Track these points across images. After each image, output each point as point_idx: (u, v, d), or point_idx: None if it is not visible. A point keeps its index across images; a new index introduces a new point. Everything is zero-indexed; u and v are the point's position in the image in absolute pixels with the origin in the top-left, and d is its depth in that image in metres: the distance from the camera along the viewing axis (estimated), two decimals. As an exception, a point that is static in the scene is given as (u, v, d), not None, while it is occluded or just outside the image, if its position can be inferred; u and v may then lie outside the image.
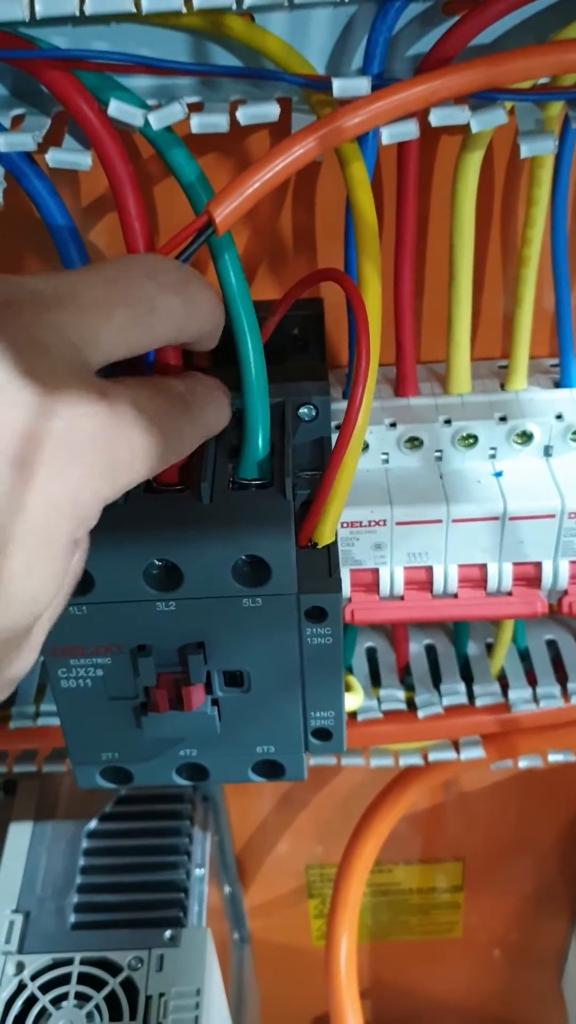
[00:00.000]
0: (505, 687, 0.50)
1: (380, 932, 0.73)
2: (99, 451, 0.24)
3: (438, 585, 0.40)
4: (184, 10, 0.31)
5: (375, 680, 0.50)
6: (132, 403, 0.26)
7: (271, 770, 0.38)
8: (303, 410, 0.37)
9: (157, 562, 0.32)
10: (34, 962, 0.51)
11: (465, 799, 0.65)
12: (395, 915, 0.72)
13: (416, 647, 0.51)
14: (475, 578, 0.41)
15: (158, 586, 0.33)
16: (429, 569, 0.40)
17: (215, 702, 0.35)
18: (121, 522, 0.33)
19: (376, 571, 0.40)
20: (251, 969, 0.73)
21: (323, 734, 0.36)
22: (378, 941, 0.73)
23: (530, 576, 0.40)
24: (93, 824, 0.57)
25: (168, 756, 0.37)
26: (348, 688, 0.45)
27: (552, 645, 0.51)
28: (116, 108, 0.32)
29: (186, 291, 0.28)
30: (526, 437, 0.40)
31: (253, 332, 0.34)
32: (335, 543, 0.35)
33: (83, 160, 0.33)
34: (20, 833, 0.57)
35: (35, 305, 0.24)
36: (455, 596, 0.41)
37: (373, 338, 0.33)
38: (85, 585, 0.32)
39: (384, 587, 0.40)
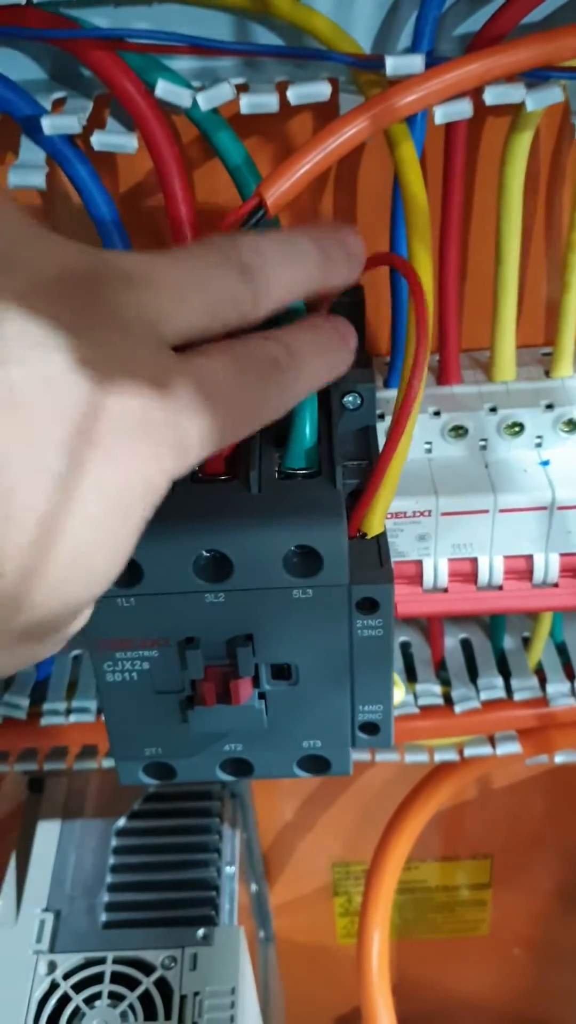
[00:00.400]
0: (543, 681, 0.49)
1: (406, 930, 0.72)
2: (169, 429, 0.23)
3: (483, 577, 0.40)
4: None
5: (410, 675, 0.50)
6: (208, 378, 0.25)
7: (316, 765, 0.37)
8: (348, 398, 0.37)
9: (207, 553, 0.32)
10: (66, 961, 0.50)
11: (492, 796, 0.64)
12: (421, 913, 0.71)
13: (451, 641, 0.50)
14: (521, 569, 0.40)
15: (208, 577, 0.32)
16: (474, 561, 0.39)
17: (262, 695, 0.35)
18: (169, 512, 0.32)
19: (420, 563, 0.39)
20: (276, 968, 0.73)
21: (371, 728, 0.36)
22: (404, 939, 0.73)
23: (576, 567, 0.40)
24: (122, 822, 0.56)
25: (212, 751, 0.36)
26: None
27: (590, 638, 0.51)
28: (163, 89, 0.32)
29: (262, 274, 0.27)
30: (573, 425, 0.39)
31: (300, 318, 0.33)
32: (384, 534, 0.34)
33: (129, 142, 0.32)
34: (48, 831, 0.56)
35: (119, 280, 0.24)
36: (500, 588, 0.40)
37: (428, 327, 0.32)
38: (134, 576, 0.32)
39: (428, 579, 0.40)
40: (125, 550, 0.24)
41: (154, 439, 0.23)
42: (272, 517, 0.31)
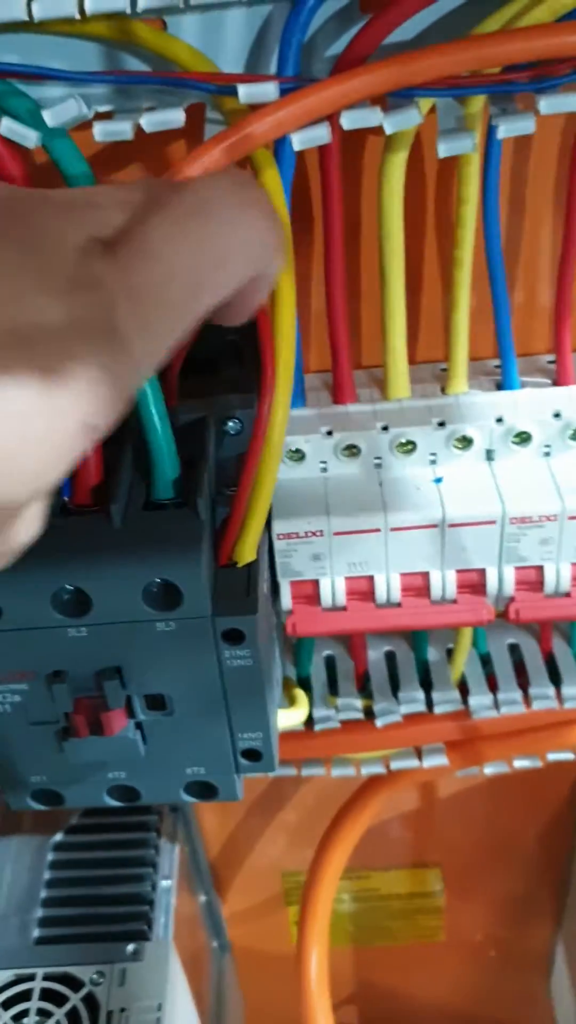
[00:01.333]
0: (466, 693, 0.49)
1: (363, 938, 0.72)
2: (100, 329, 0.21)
3: (380, 595, 0.39)
4: (78, 16, 0.30)
5: (332, 688, 0.50)
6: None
7: (204, 791, 0.37)
8: (229, 424, 0.36)
9: (66, 587, 0.31)
10: (-4, 978, 0.50)
11: (440, 804, 0.64)
12: (377, 920, 0.71)
13: (375, 654, 0.50)
14: (419, 586, 0.40)
15: (68, 612, 0.32)
16: (371, 579, 0.39)
17: (139, 725, 0.35)
18: (30, 547, 0.32)
19: (316, 582, 0.39)
20: (233, 976, 0.73)
21: (252, 755, 0.36)
22: (362, 946, 0.73)
23: (475, 583, 0.39)
24: (59, 837, 0.57)
25: (97, 778, 0.36)
26: (293, 700, 0.44)
27: (515, 649, 0.50)
28: (8, 128, 0.31)
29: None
30: (466, 442, 0.39)
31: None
32: (257, 561, 0.34)
33: (-18, 174, 0.32)
34: (-15, 847, 0.56)
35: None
36: (399, 605, 0.40)
37: (287, 347, 0.32)
38: (-7, 611, 0.32)
39: (326, 598, 0.39)
40: (54, 455, 0.22)
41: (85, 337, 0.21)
42: (128, 551, 0.31)
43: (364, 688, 0.50)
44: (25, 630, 0.32)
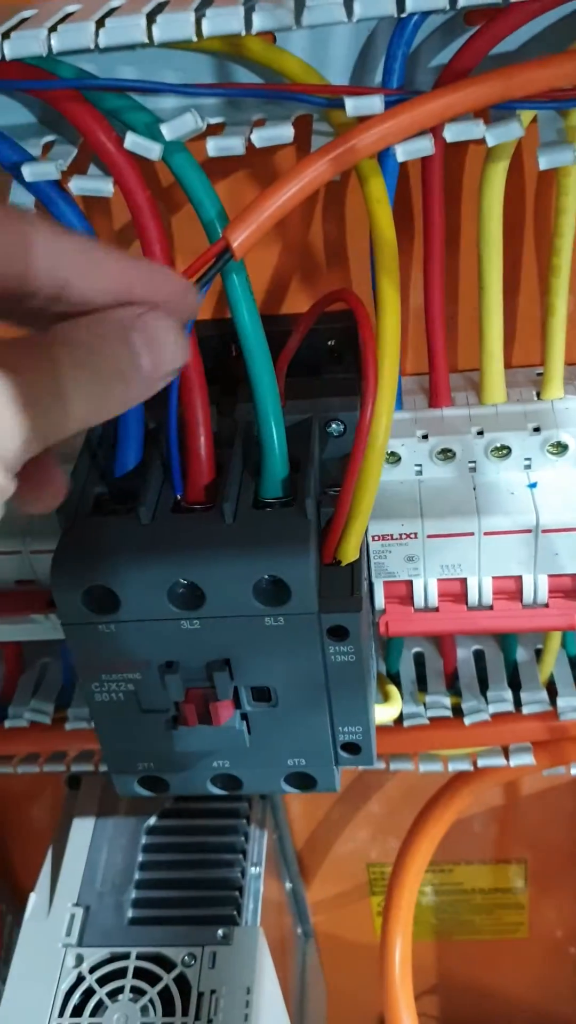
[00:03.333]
0: (554, 694, 0.49)
1: (445, 931, 0.73)
2: None
3: (472, 597, 0.40)
4: (195, 38, 0.31)
5: (422, 685, 0.50)
6: None
7: (303, 782, 0.38)
8: (332, 426, 0.38)
9: (181, 581, 0.33)
10: (92, 955, 0.52)
11: (525, 800, 0.64)
12: (459, 914, 0.72)
13: (464, 653, 0.51)
14: (511, 590, 0.40)
15: (182, 605, 0.33)
16: (463, 581, 0.40)
17: (244, 716, 0.36)
18: (147, 542, 0.34)
19: (410, 583, 0.40)
20: (316, 962, 0.74)
21: (352, 748, 0.37)
22: (444, 940, 0.73)
23: (567, 588, 0.40)
24: (152, 820, 0.59)
25: (202, 767, 0.38)
26: (387, 697, 0.45)
27: (605, 651, 0.50)
28: (132, 142, 0.33)
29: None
30: (561, 448, 0.39)
31: (263, 358, 0.34)
32: (359, 560, 0.35)
33: (105, 187, 0.34)
34: (83, 828, 0.59)
35: None
36: (490, 608, 0.41)
37: (391, 354, 0.33)
38: (112, 604, 0.33)
39: (418, 599, 0.40)
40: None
41: None
42: (241, 548, 0.33)
43: (452, 686, 0.51)
44: (142, 622, 0.33)
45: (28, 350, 0.24)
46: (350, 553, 0.35)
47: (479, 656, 0.51)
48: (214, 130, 0.35)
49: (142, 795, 0.39)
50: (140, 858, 0.57)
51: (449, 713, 0.49)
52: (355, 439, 0.32)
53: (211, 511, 0.35)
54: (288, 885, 0.68)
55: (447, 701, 0.49)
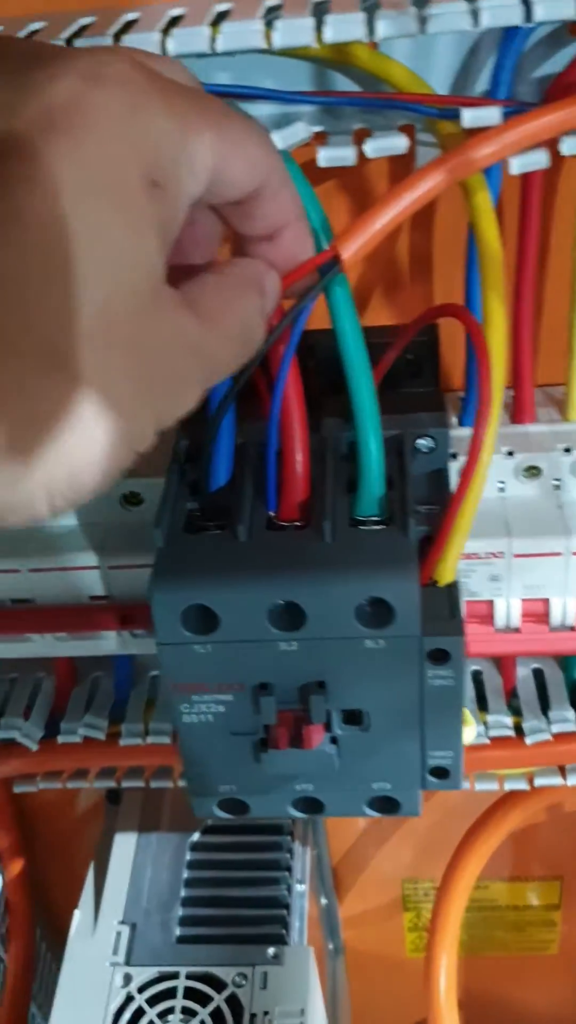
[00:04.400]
0: (616, 714, 0.48)
1: (474, 947, 0.72)
2: None
3: (556, 618, 0.39)
4: (315, 45, 0.30)
5: (481, 704, 0.50)
6: None
7: (386, 806, 0.37)
8: (421, 442, 0.37)
9: (280, 602, 0.32)
10: (141, 974, 0.52)
11: (563, 818, 0.64)
12: (489, 930, 0.71)
13: (523, 671, 0.50)
14: (595, 611, 0.40)
15: (281, 626, 0.32)
16: (547, 601, 0.39)
17: (334, 740, 0.35)
18: (245, 560, 0.33)
19: (491, 603, 0.39)
20: (344, 979, 0.73)
21: (441, 772, 0.36)
22: (473, 955, 0.73)
23: None
24: (196, 836, 0.58)
25: (285, 790, 0.37)
26: (463, 721, 0.44)
27: None
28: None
29: None
30: None
31: (365, 371, 0.33)
32: (456, 582, 0.34)
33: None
34: (126, 844, 0.58)
35: None
36: (572, 629, 0.40)
37: (498, 371, 0.32)
38: (210, 623, 0.32)
39: (500, 619, 0.40)
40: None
41: None
42: (344, 568, 0.32)
43: (510, 704, 0.50)
44: (239, 642, 0.33)
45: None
46: (447, 574, 0.34)
47: (538, 674, 0.50)
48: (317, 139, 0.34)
49: (222, 817, 0.38)
50: (185, 875, 0.56)
51: (511, 732, 0.48)
52: (468, 459, 0.31)
53: (307, 529, 0.34)
54: (323, 901, 0.68)
55: (508, 720, 0.48)
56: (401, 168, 0.38)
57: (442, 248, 0.40)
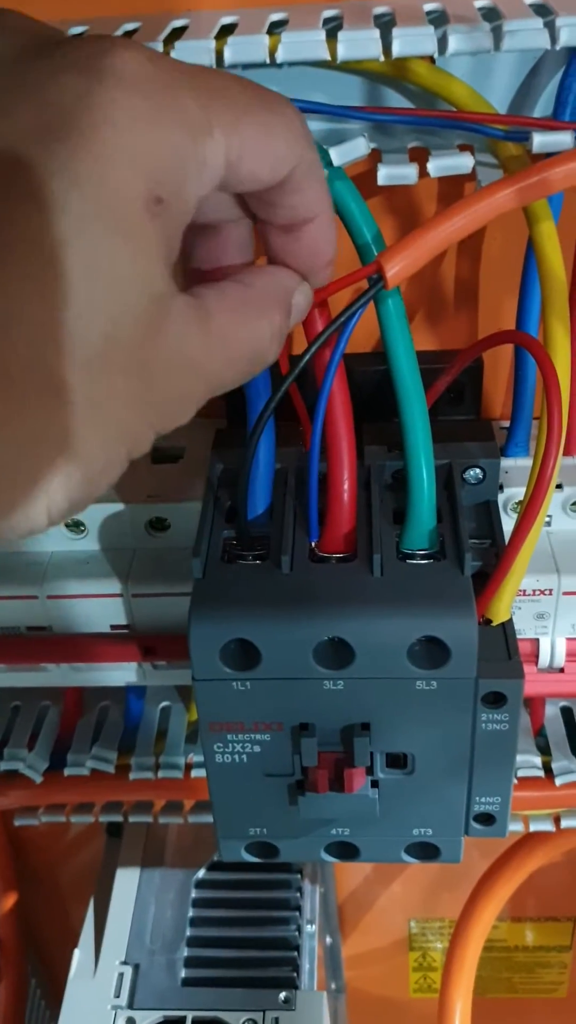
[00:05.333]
0: None
1: (480, 988, 0.70)
2: None
3: (602, 658, 0.38)
4: (381, 58, 0.29)
5: (508, 742, 0.48)
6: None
7: (425, 852, 0.36)
8: (470, 472, 0.35)
9: (327, 639, 0.30)
10: (145, 1019, 0.49)
11: (578, 858, 0.62)
12: (497, 972, 0.69)
13: (552, 709, 0.49)
14: None
15: (327, 664, 0.31)
16: (593, 641, 0.38)
17: (375, 783, 0.33)
18: (289, 593, 0.31)
19: (536, 641, 0.38)
20: (344, 1021, 0.71)
21: (486, 819, 0.34)
22: (478, 996, 0.71)
23: None
24: (201, 873, 0.56)
25: (318, 834, 0.35)
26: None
27: None
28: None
29: None
30: None
31: (418, 397, 0.32)
32: (511, 621, 0.33)
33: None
34: (127, 880, 0.55)
35: None
36: (618, 669, 0.38)
37: (564, 403, 0.31)
38: (251, 659, 0.31)
39: (544, 659, 0.38)
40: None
41: None
42: (398, 605, 0.30)
43: (536, 743, 0.49)
44: (281, 680, 0.31)
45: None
46: (502, 613, 0.32)
47: (566, 713, 0.49)
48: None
49: (249, 860, 0.36)
50: (190, 913, 0.54)
51: (540, 773, 0.47)
52: (533, 492, 0.30)
53: (354, 562, 0.32)
54: (328, 940, 0.66)
55: (537, 760, 0.47)
56: (451, 189, 0.37)
57: (489, 276, 0.38)
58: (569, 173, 0.29)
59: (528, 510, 0.30)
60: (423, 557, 0.33)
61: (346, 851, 0.36)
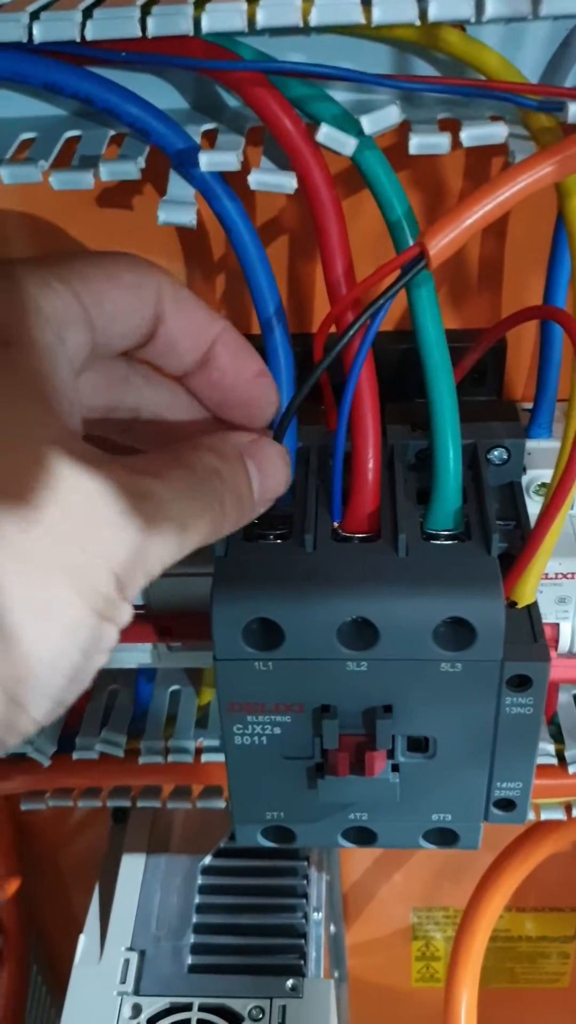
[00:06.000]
0: None
1: (481, 979, 0.70)
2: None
3: (623, 644, 0.37)
4: (417, 22, 0.28)
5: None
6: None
7: (444, 838, 0.35)
8: (495, 453, 0.35)
9: (352, 619, 0.30)
10: (151, 1005, 0.49)
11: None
12: (500, 962, 0.69)
13: (565, 696, 0.48)
14: None
15: (351, 644, 0.30)
16: (615, 626, 0.37)
17: (395, 767, 0.33)
18: (314, 573, 0.30)
19: (557, 626, 0.37)
20: (347, 1009, 0.71)
21: (507, 804, 0.34)
22: (480, 987, 0.70)
23: None
24: (208, 860, 0.55)
25: (337, 818, 0.34)
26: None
27: None
28: (326, 135, 0.30)
29: None
30: None
31: (447, 376, 0.31)
32: (536, 603, 0.32)
33: (288, 182, 0.30)
34: (133, 866, 0.55)
35: None
36: None
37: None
38: (274, 639, 0.30)
39: (564, 644, 0.37)
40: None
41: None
42: (424, 586, 0.30)
43: (549, 730, 0.48)
44: (304, 660, 0.30)
45: (150, 474, 0.24)
46: (527, 595, 0.32)
47: (580, 700, 0.48)
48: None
49: (265, 845, 0.35)
50: (197, 900, 0.53)
51: (554, 760, 0.46)
52: (565, 473, 0.29)
53: (378, 542, 0.32)
54: (332, 928, 0.65)
55: (551, 748, 0.46)
56: (479, 163, 0.36)
57: (514, 253, 0.38)
58: (608, 145, 0.28)
59: (558, 490, 0.29)
60: (448, 538, 0.32)
61: (363, 836, 0.35)
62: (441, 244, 0.29)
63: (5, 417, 0.21)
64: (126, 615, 0.23)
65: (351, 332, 0.29)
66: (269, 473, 0.28)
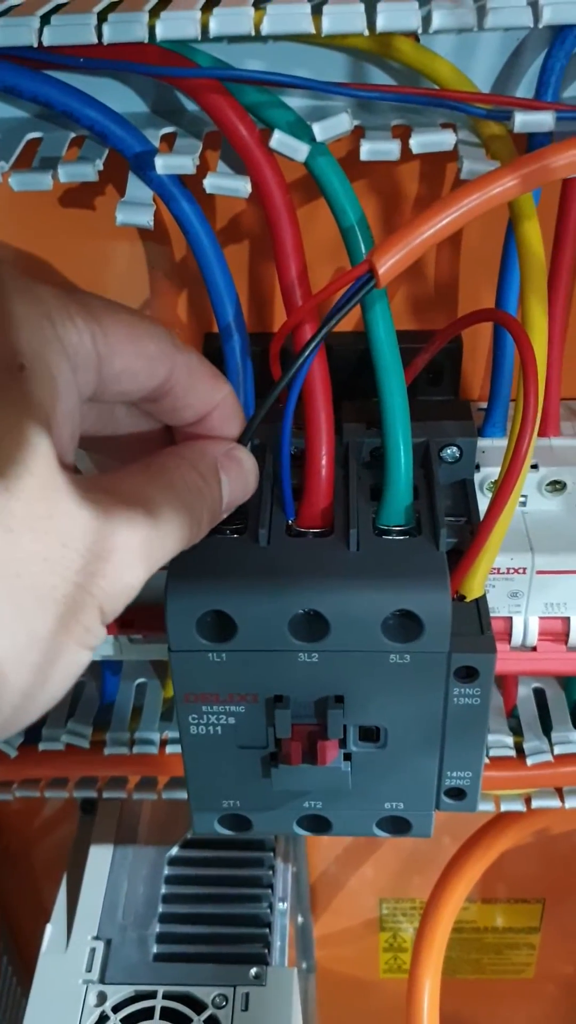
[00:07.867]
0: (616, 737, 0.48)
1: (449, 969, 0.71)
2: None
3: (574, 637, 0.38)
4: (366, 32, 0.29)
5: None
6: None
7: (397, 826, 0.36)
8: (447, 451, 0.36)
9: (303, 612, 0.31)
10: (116, 993, 0.50)
11: (548, 841, 0.63)
12: (466, 953, 0.70)
13: (524, 690, 0.49)
14: (615, 631, 0.38)
15: (302, 636, 0.31)
16: (566, 620, 0.38)
17: (347, 756, 0.34)
18: (267, 566, 0.31)
19: (509, 619, 0.38)
20: (314, 999, 0.72)
21: (457, 793, 0.35)
22: (446, 977, 0.71)
23: None
24: (175, 851, 0.56)
25: (292, 807, 0.35)
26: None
27: None
28: (279, 141, 0.30)
29: None
30: None
31: (397, 376, 0.32)
32: (484, 597, 0.33)
33: (243, 187, 0.31)
34: (101, 856, 0.56)
35: None
36: (590, 648, 0.39)
37: (540, 383, 0.31)
38: (227, 631, 0.31)
39: (516, 637, 0.38)
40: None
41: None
42: (373, 579, 0.30)
43: (508, 723, 0.49)
44: (256, 652, 0.31)
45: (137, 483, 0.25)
46: (476, 589, 0.33)
47: (539, 694, 0.49)
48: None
49: (223, 834, 0.36)
50: (163, 890, 0.54)
51: (512, 752, 0.47)
52: (508, 470, 0.30)
53: (331, 537, 0.32)
54: (299, 920, 0.66)
55: (509, 740, 0.47)
56: (433, 169, 0.37)
57: (468, 255, 0.39)
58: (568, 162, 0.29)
59: (503, 486, 0.30)
60: (399, 533, 0.33)
61: (318, 824, 0.36)
62: (389, 263, 0.29)
63: (9, 443, 0.22)
64: (102, 638, 0.24)
65: (307, 352, 0.30)
66: (239, 486, 0.30)
